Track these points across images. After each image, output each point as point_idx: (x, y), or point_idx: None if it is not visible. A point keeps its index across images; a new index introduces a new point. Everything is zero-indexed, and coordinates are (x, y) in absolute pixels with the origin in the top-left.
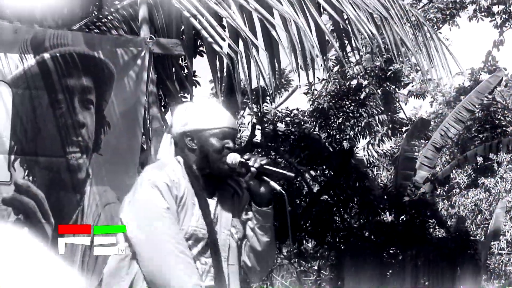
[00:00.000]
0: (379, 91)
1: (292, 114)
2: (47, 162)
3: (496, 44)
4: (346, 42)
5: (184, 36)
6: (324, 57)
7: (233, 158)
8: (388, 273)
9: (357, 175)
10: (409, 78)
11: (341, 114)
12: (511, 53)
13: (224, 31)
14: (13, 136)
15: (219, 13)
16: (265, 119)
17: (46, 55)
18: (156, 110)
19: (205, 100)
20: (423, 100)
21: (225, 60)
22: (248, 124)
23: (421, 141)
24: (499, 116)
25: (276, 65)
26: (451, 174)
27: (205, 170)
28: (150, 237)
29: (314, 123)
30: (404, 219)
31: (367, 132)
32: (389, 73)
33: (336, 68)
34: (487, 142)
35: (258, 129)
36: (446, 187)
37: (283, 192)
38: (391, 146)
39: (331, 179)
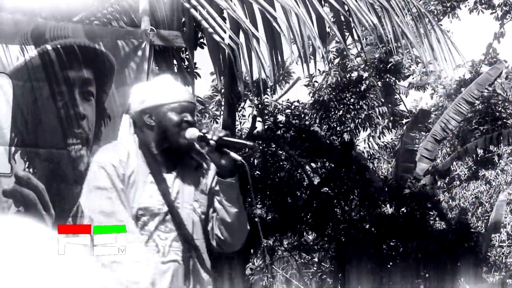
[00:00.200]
0: (379, 83)
1: (292, 106)
2: (47, 154)
3: (496, 36)
4: (347, 34)
5: (185, 28)
6: (325, 49)
7: (191, 133)
8: (389, 265)
9: (358, 168)
10: (409, 70)
11: (341, 106)
12: None
13: (225, 23)
14: (13, 127)
15: (220, 4)
16: (265, 111)
17: (48, 47)
18: None
19: (161, 77)
20: (424, 92)
21: (226, 52)
22: (248, 116)
23: (422, 133)
24: (500, 109)
25: (279, 57)
26: (451, 166)
27: (163, 145)
28: (99, 215)
29: (315, 115)
30: (405, 211)
31: (368, 124)
32: (390, 65)
33: (337, 60)
34: (488, 134)
35: (259, 121)
36: (447, 180)
37: (244, 162)
38: (391, 139)
39: (331, 172)
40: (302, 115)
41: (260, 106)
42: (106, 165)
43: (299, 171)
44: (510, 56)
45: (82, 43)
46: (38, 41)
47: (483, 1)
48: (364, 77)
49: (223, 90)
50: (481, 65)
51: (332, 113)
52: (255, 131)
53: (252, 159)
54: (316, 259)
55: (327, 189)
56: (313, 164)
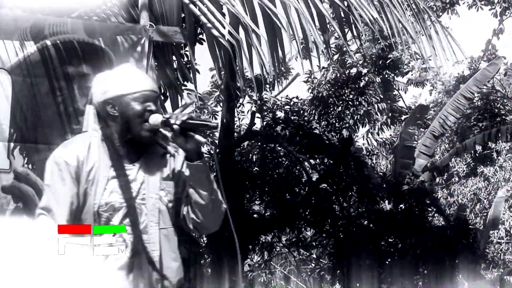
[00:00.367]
0: (378, 79)
1: (291, 103)
2: (46, 150)
3: (495, 33)
4: (347, 29)
5: (185, 24)
6: (327, 43)
7: (155, 119)
8: (387, 262)
9: (356, 164)
10: (408, 66)
11: (340, 102)
12: (511, 42)
13: (224, 18)
14: (12, 123)
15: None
16: (264, 108)
17: (47, 42)
18: None
19: (123, 66)
20: (423, 88)
21: (225, 48)
22: (247, 112)
23: (421, 129)
24: (499, 105)
25: (280, 52)
26: (450, 163)
27: (126, 137)
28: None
29: (314, 111)
30: (403, 207)
31: (367, 120)
32: (388, 61)
33: (336, 57)
34: (486, 131)
35: (258, 117)
36: (445, 176)
37: (208, 143)
38: (390, 135)
39: (330, 168)
40: (301, 112)
41: (259, 102)
42: (59, 162)
43: (297, 167)
44: (509, 53)
45: (81, 39)
46: (37, 37)
47: None
48: (363, 73)
49: (222, 86)
50: (480, 62)
51: (331, 109)
52: (254, 127)
53: (250, 155)
54: (314, 256)
55: (326, 185)
56: (311, 161)
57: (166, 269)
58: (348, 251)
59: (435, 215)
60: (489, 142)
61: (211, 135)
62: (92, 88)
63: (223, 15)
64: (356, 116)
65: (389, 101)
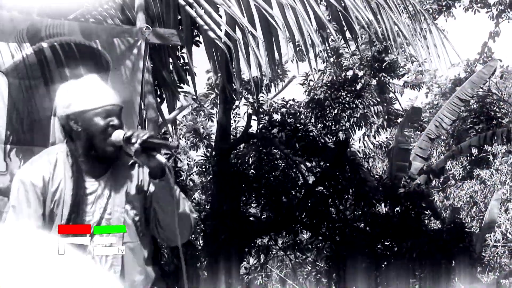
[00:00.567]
0: (374, 81)
1: (288, 105)
2: None
3: (492, 35)
4: (345, 30)
5: (181, 26)
6: (325, 44)
7: (117, 135)
8: (383, 265)
9: (352, 167)
10: (404, 69)
11: (337, 105)
12: (507, 45)
13: (221, 20)
14: (9, 125)
15: (215, 1)
16: (261, 110)
17: (44, 44)
18: (152, 99)
19: (85, 78)
20: (419, 91)
21: (222, 49)
22: (244, 115)
23: (416, 132)
24: (495, 108)
25: (276, 54)
26: (446, 165)
27: (90, 152)
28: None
29: (310, 114)
30: (399, 210)
31: (363, 123)
32: (385, 63)
33: (332, 59)
34: (482, 134)
35: (254, 119)
36: (442, 179)
37: (168, 165)
38: (386, 138)
39: (326, 171)
40: (297, 114)
41: (255, 104)
42: (25, 182)
43: (294, 170)
44: (505, 55)
45: (78, 41)
46: (33, 39)
47: (478, 0)
48: (359, 76)
49: (218, 88)
50: (476, 64)
51: (327, 112)
52: (250, 129)
53: (247, 158)
54: (311, 258)
55: (322, 188)
56: (308, 163)
57: (130, 283)
58: (345, 254)
59: (431, 218)
60: (485, 145)
61: (207, 137)
62: (56, 100)
63: (220, 17)
64: (352, 119)
65: (385, 104)
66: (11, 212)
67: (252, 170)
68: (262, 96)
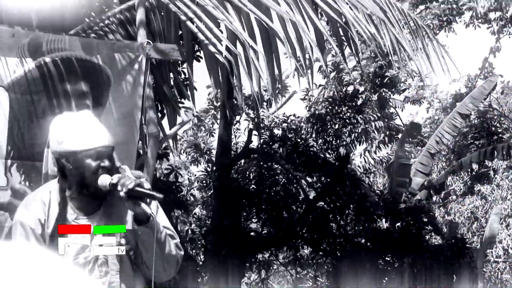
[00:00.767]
0: (375, 96)
1: (289, 120)
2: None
3: (492, 51)
4: (345, 45)
5: (182, 41)
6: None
7: (103, 180)
8: (384, 281)
9: (353, 182)
10: (405, 84)
11: (337, 120)
12: (508, 60)
13: (222, 35)
14: (10, 140)
15: (217, 16)
16: (261, 125)
17: (46, 59)
18: (153, 114)
19: (79, 116)
20: (420, 106)
21: (223, 64)
22: (244, 130)
23: (417, 147)
24: (495, 123)
25: (276, 70)
26: (446, 181)
27: (82, 189)
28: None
29: (311, 129)
30: (400, 226)
31: (364, 138)
32: (386, 79)
33: (332, 74)
34: (483, 149)
35: (255, 134)
36: (442, 194)
37: (153, 215)
38: (387, 153)
39: (327, 186)
40: (298, 129)
41: (256, 119)
42: (24, 226)
43: (294, 185)
44: (506, 71)
45: (79, 56)
46: (35, 54)
47: (479, 16)
48: (360, 91)
49: (218, 104)
50: (477, 80)
51: (328, 127)
52: (251, 145)
53: (247, 173)
54: (311, 274)
55: (323, 203)
56: (308, 179)
57: None
58: (345, 270)
59: (432, 233)
60: (485, 161)
61: (208, 152)
62: (50, 133)
63: (221, 32)
64: (353, 134)
65: (386, 119)
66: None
67: (253, 185)
68: (263, 111)
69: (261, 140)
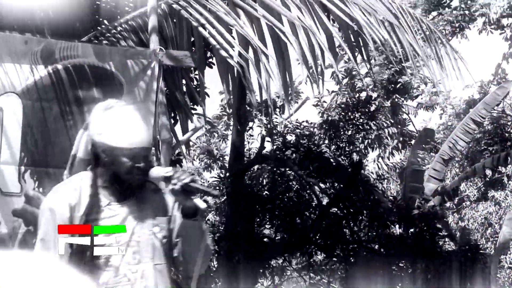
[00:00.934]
0: (387, 102)
1: (301, 126)
2: (57, 173)
3: (505, 57)
4: (357, 51)
5: (194, 48)
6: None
7: (156, 173)
8: (398, 286)
9: (366, 188)
10: (418, 90)
11: (350, 126)
12: None
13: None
14: (23, 147)
15: (228, 22)
16: (274, 131)
17: (58, 66)
18: (165, 120)
19: (121, 111)
20: (433, 112)
21: (235, 70)
22: (257, 136)
23: (431, 153)
24: (509, 129)
25: (288, 76)
26: (460, 187)
27: (114, 183)
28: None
29: (324, 135)
30: (414, 232)
31: (377, 144)
32: (399, 85)
33: (345, 80)
34: (496, 155)
35: (268, 141)
36: (456, 200)
37: (206, 211)
38: (400, 159)
39: (340, 192)
40: (311, 135)
41: (269, 126)
42: (53, 211)
43: (308, 191)
44: None
45: (91, 62)
46: (48, 61)
47: (492, 22)
48: (373, 98)
49: (231, 110)
50: (490, 86)
51: (341, 133)
52: (264, 151)
53: (260, 179)
54: (325, 280)
55: (336, 209)
56: (322, 185)
57: None
58: (359, 275)
59: (446, 239)
60: (499, 166)
61: (221, 158)
62: (91, 117)
63: (233, 38)
64: (366, 140)
65: (399, 125)
66: (39, 245)
67: (266, 191)
68: (276, 117)
69: (274, 146)
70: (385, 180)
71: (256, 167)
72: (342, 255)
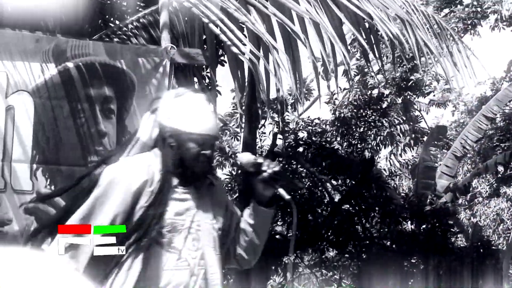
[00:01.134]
0: (399, 99)
1: (313, 123)
2: (68, 171)
3: None
4: (369, 50)
5: (206, 46)
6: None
7: (246, 158)
8: (410, 282)
9: (378, 185)
10: (430, 87)
11: (362, 123)
12: None
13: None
14: (35, 145)
15: (239, 18)
16: (286, 128)
17: (69, 64)
18: None
19: (192, 98)
20: (445, 109)
21: (246, 67)
22: (269, 133)
23: (443, 150)
24: None
25: (298, 73)
26: (472, 183)
27: (179, 169)
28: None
29: (336, 132)
30: (426, 228)
31: (389, 141)
32: (411, 82)
33: (357, 78)
34: (508, 151)
35: (280, 138)
36: (468, 197)
37: (292, 200)
38: (412, 156)
39: (352, 189)
40: (323, 132)
41: (281, 123)
42: (119, 181)
43: (319, 188)
44: None
45: (103, 60)
46: (58, 59)
47: (504, 18)
48: (385, 95)
49: (243, 107)
50: (502, 82)
51: (353, 130)
52: (276, 148)
53: None
54: (337, 276)
55: (348, 206)
56: (333, 181)
57: None
58: (371, 272)
59: (458, 235)
60: (511, 163)
61: (232, 156)
62: (161, 102)
63: (245, 36)
64: (378, 137)
65: (411, 122)
66: (89, 202)
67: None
68: (288, 115)
69: (286, 144)
70: (397, 177)
71: None
72: (354, 252)
